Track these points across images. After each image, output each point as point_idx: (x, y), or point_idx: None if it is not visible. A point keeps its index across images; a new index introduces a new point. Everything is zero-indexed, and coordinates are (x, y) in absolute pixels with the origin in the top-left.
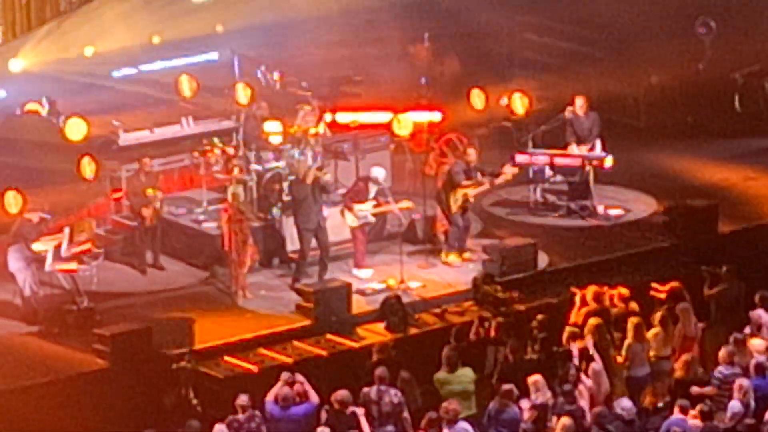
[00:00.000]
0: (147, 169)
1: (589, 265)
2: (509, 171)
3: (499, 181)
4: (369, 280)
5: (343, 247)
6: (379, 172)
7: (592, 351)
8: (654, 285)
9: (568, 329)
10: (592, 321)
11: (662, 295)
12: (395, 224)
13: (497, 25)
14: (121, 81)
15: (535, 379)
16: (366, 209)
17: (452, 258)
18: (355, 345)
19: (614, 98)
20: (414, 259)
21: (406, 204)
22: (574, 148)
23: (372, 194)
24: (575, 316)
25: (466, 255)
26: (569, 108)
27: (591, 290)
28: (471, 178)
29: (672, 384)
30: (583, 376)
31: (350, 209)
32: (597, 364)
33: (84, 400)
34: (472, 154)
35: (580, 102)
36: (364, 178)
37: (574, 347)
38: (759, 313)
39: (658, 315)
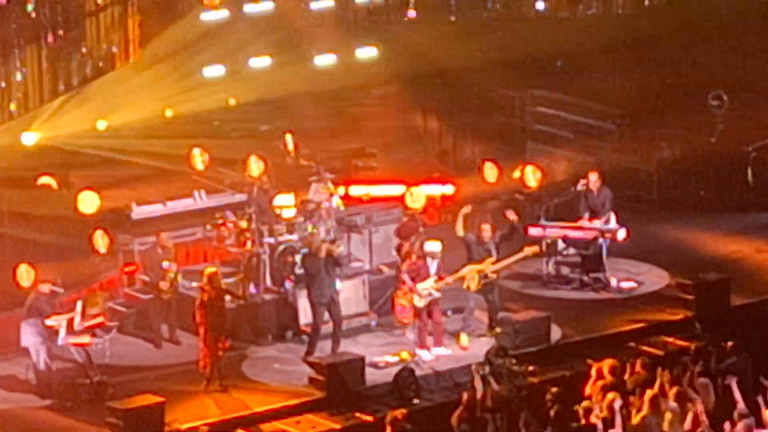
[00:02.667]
0: (164, 243)
1: (602, 338)
2: (528, 250)
3: (518, 258)
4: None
5: (357, 320)
6: (435, 246)
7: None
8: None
9: (583, 403)
10: (609, 396)
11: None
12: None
13: (510, 98)
14: (133, 154)
15: None
16: (429, 286)
17: (463, 339)
18: (369, 418)
19: (627, 171)
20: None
21: (466, 271)
22: (586, 222)
23: (433, 269)
24: (590, 388)
25: (485, 339)
26: (582, 181)
27: (607, 363)
28: (488, 257)
29: None
30: None
31: (413, 289)
32: None
33: None
34: (487, 230)
35: (593, 177)
36: (422, 255)
37: (598, 421)
38: None
39: (673, 391)
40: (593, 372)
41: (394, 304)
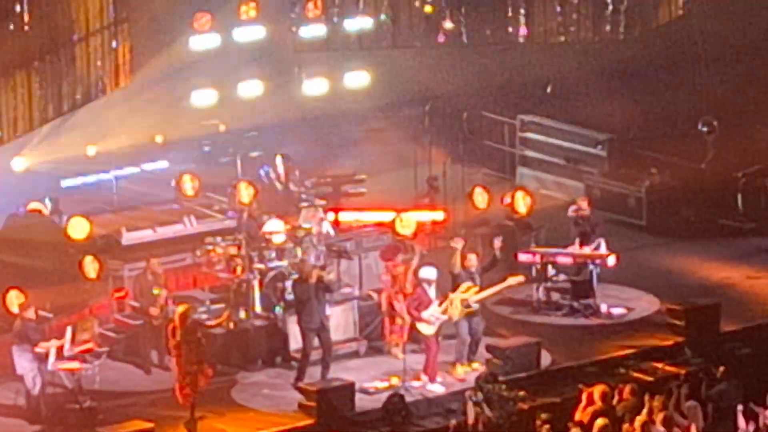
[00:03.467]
0: (154, 269)
1: (592, 364)
2: (514, 280)
3: (501, 287)
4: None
5: (347, 346)
6: (430, 272)
7: None
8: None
9: (573, 429)
10: (599, 422)
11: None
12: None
13: (500, 123)
14: (123, 180)
15: None
16: (434, 311)
17: (459, 370)
18: None
19: (617, 197)
20: (419, 357)
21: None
22: (576, 248)
23: (433, 294)
24: (581, 414)
25: (475, 365)
26: (572, 207)
27: (598, 389)
28: (473, 285)
29: None
30: None
31: (420, 319)
32: None
33: None
34: (472, 259)
35: (583, 203)
36: (419, 282)
37: None
38: None
39: (660, 417)
40: (584, 397)
41: (385, 327)
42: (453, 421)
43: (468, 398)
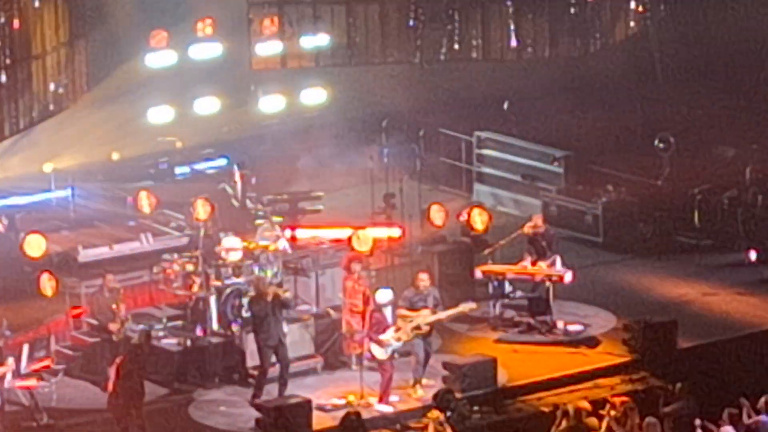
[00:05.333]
0: (110, 285)
1: (549, 381)
2: (465, 307)
3: (452, 313)
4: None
5: (303, 363)
6: (384, 295)
7: None
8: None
9: None
10: None
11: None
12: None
13: (456, 140)
14: (81, 197)
15: None
16: (390, 336)
17: (419, 391)
18: None
19: (573, 213)
20: (374, 374)
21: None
22: (527, 264)
23: (390, 317)
24: (554, 430)
25: (425, 381)
26: (528, 224)
27: (572, 405)
28: (423, 308)
29: None
30: None
31: (377, 342)
32: None
33: None
34: (424, 279)
35: (537, 220)
36: (377, 307)
37: None
38: (726, 429)
39: None
40: (558, 414)
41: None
42: None
43: (431, 420)
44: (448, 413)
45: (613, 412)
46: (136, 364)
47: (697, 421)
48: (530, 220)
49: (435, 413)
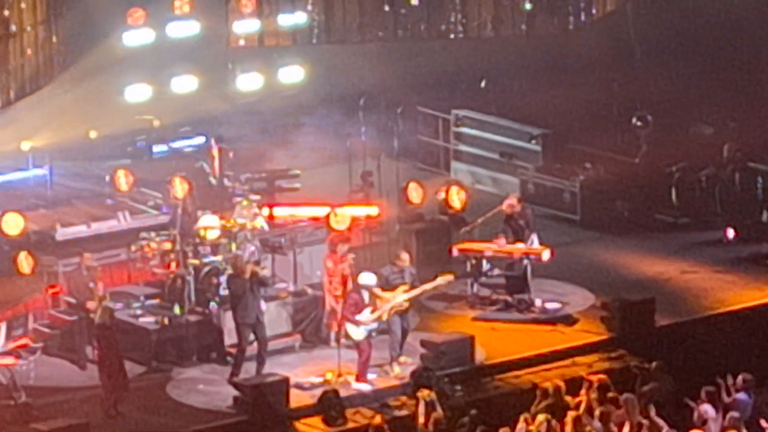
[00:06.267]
0: (88, 264)
1: (526, 359)
2: (444, 279)
3: (431, 286)
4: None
5: (281, 341)
6: (368, 279)
7: None
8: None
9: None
10: (540, 418)
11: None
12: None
13: (434, 118)
14: (59, 175)
15: None
16: (367, 316)
17: (396, 368)
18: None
19: (551, 191)
20: (353, 352)
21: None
22: (503, 241)
23: (367, 300)
24: (535, 408)
25: (402, 359)
26: (506, 202)
27: (552, 383)
28: (401, 284)
29: None
30: None
31: (354, 322)
32: None
33: None
34: (405, 259)
35: (513, 200)
36: (356, 288)
37: None
38: (705, 408)
39: (597, 411)
40: (538, 393)
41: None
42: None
43: (420, 398)
44: (438, 393)
45: (591, 393)
46: (106, 343)
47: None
48: (508, 198)
49: (425, 392)
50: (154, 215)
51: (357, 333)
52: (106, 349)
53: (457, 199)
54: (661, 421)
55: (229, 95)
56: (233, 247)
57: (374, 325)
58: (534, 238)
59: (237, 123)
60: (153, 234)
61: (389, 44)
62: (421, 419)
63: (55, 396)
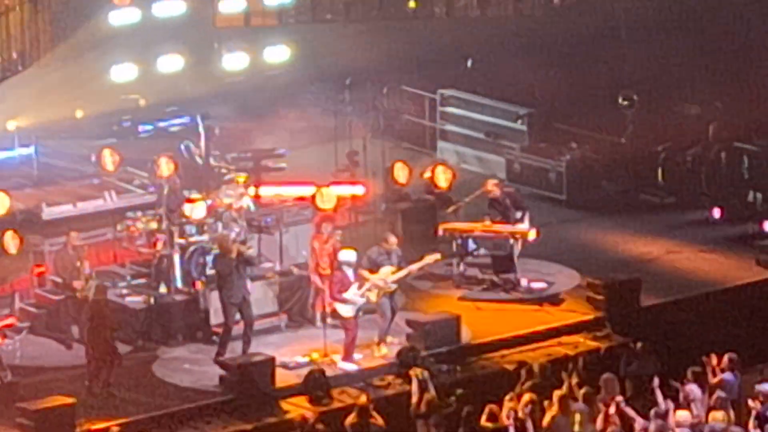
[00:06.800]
0: (74, 243)
1: (512, 338)
2: (431, 258)
3: (418, 266)
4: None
5: (267, 321)
6: (350, 256)
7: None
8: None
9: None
10: (525, 398)
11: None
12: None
13: (420, 98)
14: (44, 155)
15: None
16: (354, 294)
17: (383, 349)
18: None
19: (537, 171)
20: (339, 332)
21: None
22: (487, 222)
23: (352, 277)
24: (520, 388)
25: (389, 339)
26: (491, 182)
27: (537, 363)
28: (390, 266)
29: None
30: None
31: (342, 301)
32: None
33: None
34: (392, 241)
35: (489, 185)
36: (338, 266)
37: (509, 422)
38: (691, 387)
39: (581, 392)
40: (523, 372)
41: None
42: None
43: (414, 377)
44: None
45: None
46: (99, 320)
47: (656, 381)
48: (486, 182)
49: (418, 370)
50: (141, 194)
51: (346, 310)
52: (101, 326)
53: (443, 178)
54: (631, 411)
55: (215, 75)
56: (219, 227)
57: (362, 301)
58: (526, 216)
59: (223, 102)
60: (139, 213)
61: (375, 24)
62: (414, 398)
63: (41, 375)
